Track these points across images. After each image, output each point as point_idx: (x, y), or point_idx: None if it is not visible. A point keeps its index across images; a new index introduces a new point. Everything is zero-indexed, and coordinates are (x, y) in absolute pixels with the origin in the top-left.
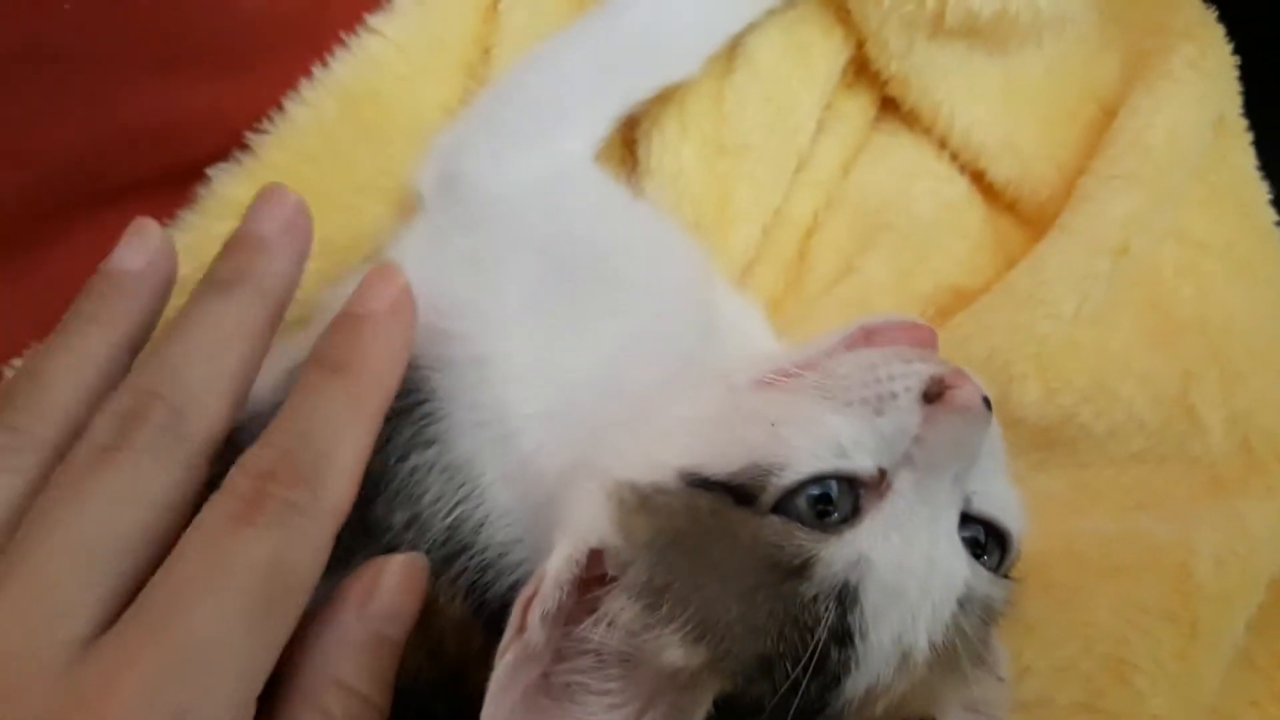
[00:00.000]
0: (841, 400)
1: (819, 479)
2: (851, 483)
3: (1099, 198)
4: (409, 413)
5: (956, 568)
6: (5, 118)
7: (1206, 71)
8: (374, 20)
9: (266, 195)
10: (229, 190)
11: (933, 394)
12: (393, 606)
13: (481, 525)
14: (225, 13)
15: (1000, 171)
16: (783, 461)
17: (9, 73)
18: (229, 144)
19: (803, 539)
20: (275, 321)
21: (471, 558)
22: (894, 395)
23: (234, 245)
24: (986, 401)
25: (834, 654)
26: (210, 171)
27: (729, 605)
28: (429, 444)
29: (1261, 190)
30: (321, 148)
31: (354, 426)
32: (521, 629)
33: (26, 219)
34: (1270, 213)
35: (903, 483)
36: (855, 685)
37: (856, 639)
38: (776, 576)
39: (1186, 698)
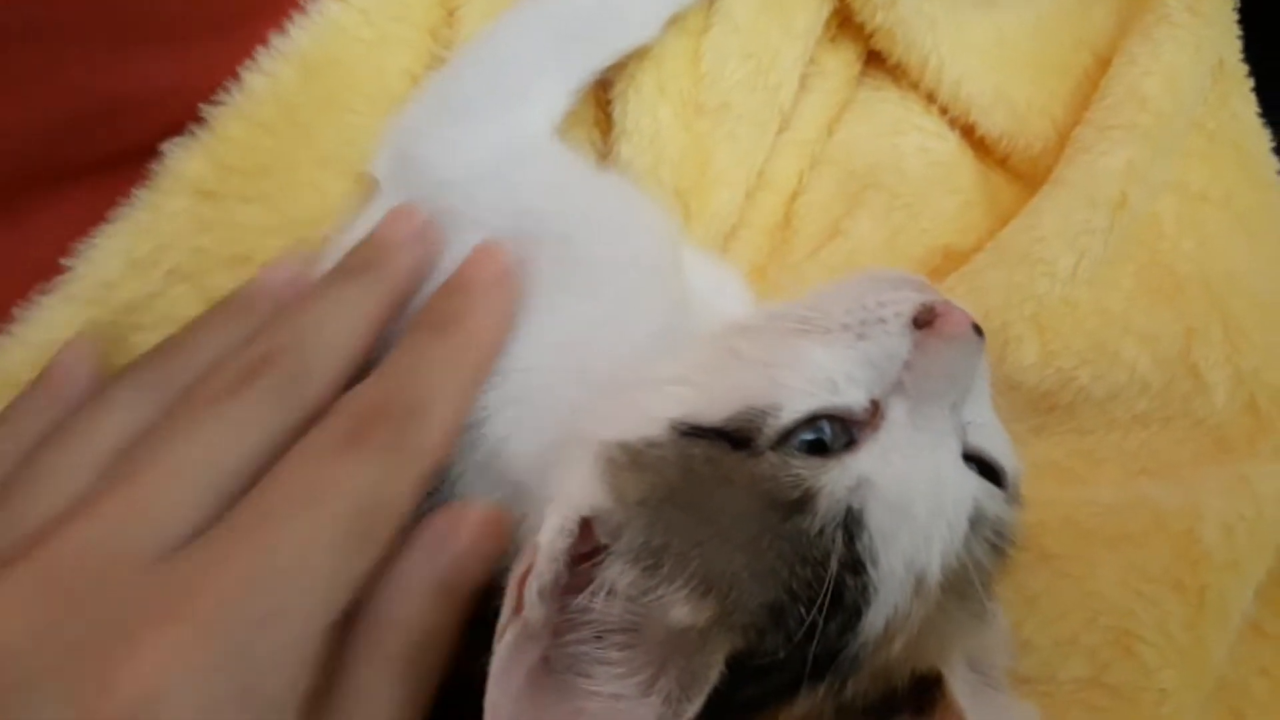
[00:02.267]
0: (823, 329)
1: (813, 418)
2: (844, 421)
3: (1095, 149)
4: None
5: (966, 485)
6: None
7: (1204, 15)
8: None
9: (399, 209)
10: (184, 166)
11: (923, 320)
12: (464, 555)
13: None
14: None
15: (992, 125)
16: (777, 403)
17: None
18: (183, 119)
19: (801, 470)
20: (393, 312)
21: None
22: (882, 320)
23: (366, 242)
24: (977, 329)
25: (848, 584)
26: (164, 147)
27: (732, 555)
28: None
29: (1263, 138)
30: (280, 118)
31: (455, 381)
32: (518, 607)
33: None
34: (1273, 161)
35: (896, 411)
36: (873, 621)
37: (868, 566)
38: (779, 515)
39: (1196, 669)
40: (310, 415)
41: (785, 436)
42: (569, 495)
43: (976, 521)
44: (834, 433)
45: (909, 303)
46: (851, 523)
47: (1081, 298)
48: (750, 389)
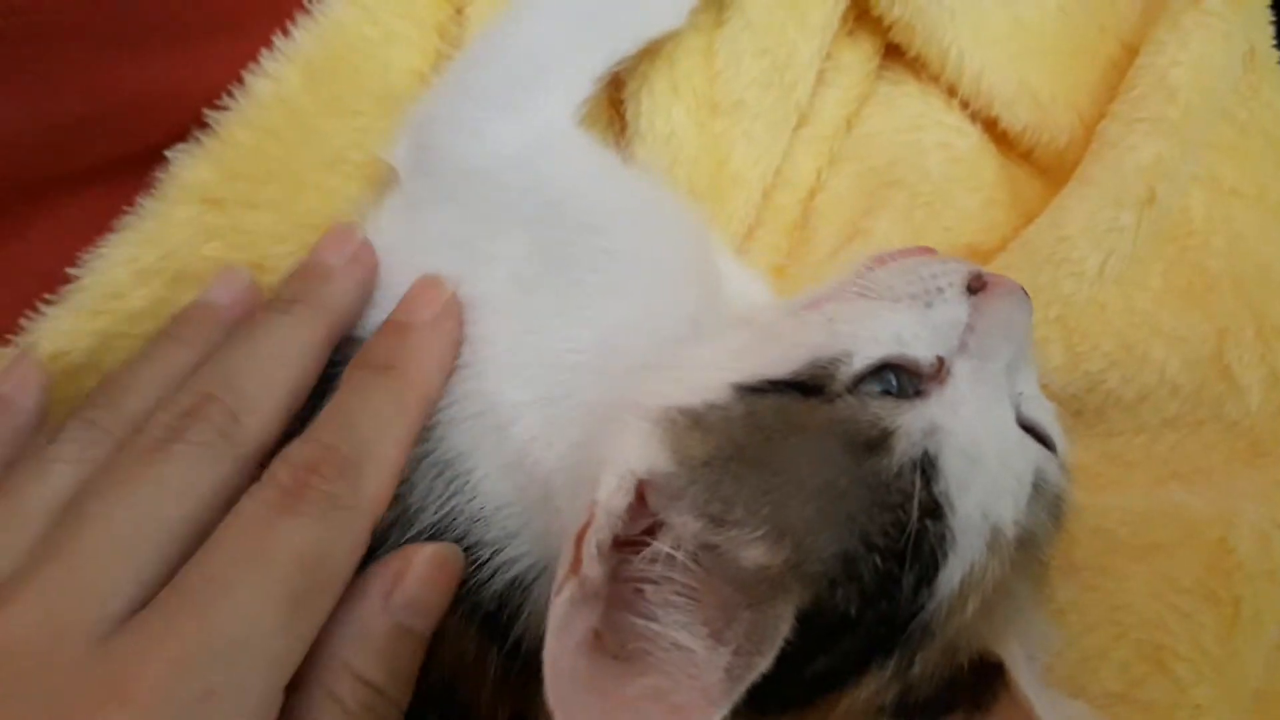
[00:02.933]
0: (890, 298)
1: (885, 366)
2: (911, 375)
3: (1122, 144)
4: None
5: (1027, 444)
6: None
7: (1235, 1)
8: None
9: (334, 230)
10: (189, 174)
11: (975, 286)
12: (418, 598)
13: (475, 520)
14: None
15: (1015, 119)
16: (848, 350)
17: None
18: (188, 124)
19: (879, 410)
20: (332, 342)
21: (465, 553)
22: (940, 290)
23: (300, 270)
24: (1024, 291)
25: (928, 531)
26: (169, 154)
27: (805, 503)
28: (418, 440)
29: None
30: (286, 122)
31: (396, 425)
32: (575, 564)
33: None
34: None
35: (961, 369)
36: (951, 573)
37: (946, 511)
38: (856, 456)
39: (1231, 684)
40: (246, 464)
41: (857, 383)
42: (623, 459)
43: (1038, 486)
44: (903, 383)
45: (960, 272)
46: (928, 466)
47: (1109, 298)
48: (818, 343)
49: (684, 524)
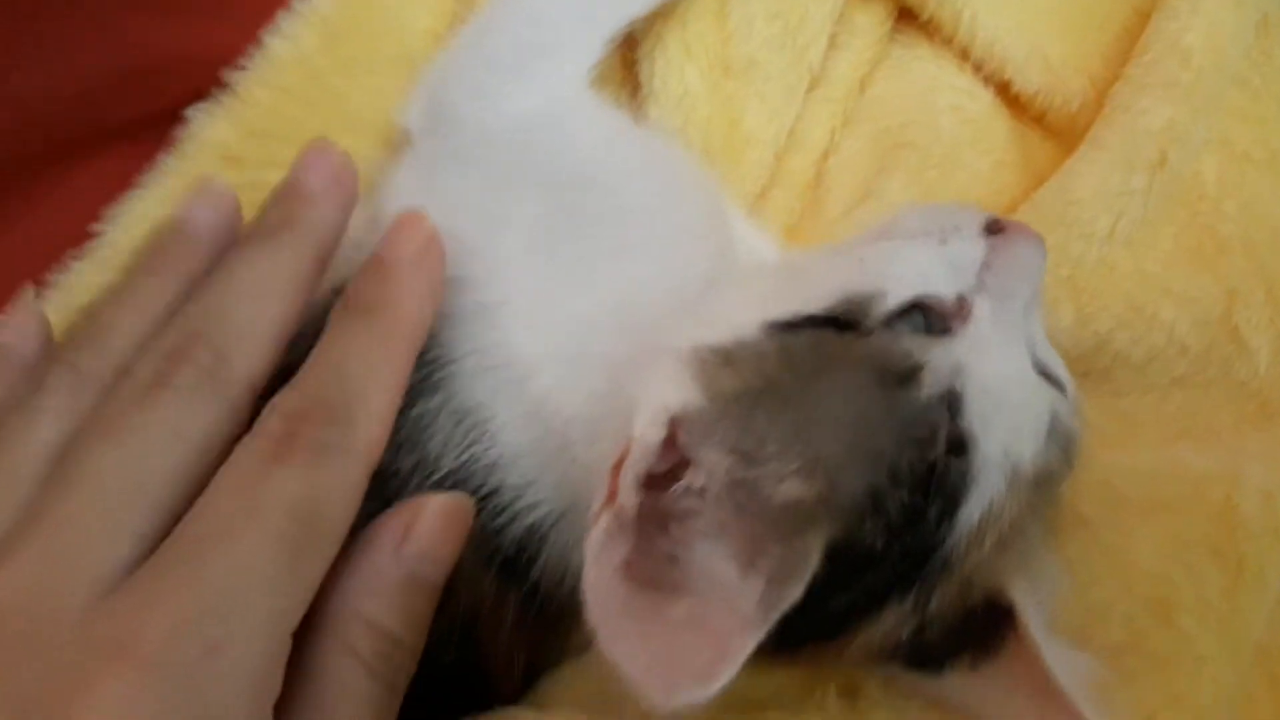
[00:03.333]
0: (908, 237)
1: (915, 305)
2: (935, 314)
3: (1134, 108)
4: (416, 361)
5: (1043, 386)
6: None
7: None
8: None
9: (312, 148)
10: (209, 132)
11: (993, 229)
12: (429, 547)
13: (493, 467)
14: None
15: (1027, 82)
16: (881, 289)
17: None
18: (208, 84)
19: (910, 345)
20: (319, 269)
21: (484, 500)
22: (957, 228)
23: (280, 195)
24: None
25: (952, 466)
26: (189, 113)
27: (836, 436)
28: (434, 390)
29: None
30: (304, 83)
31: (384, 367)
32: (612, 495)
33: (5, 169)
34: None
35: (982, 308)
36: (972, 508)
37: (971, 446)
38: (887, 389)
39: (1234, 637)
40: (236, 404)
41: (890, 321)
42: (657, 393)
43: (1052, 427)
44: (930, 323)
45: (978, 215)
46: (953, 403)
47: (1119, 259)
48: (852, 280)
49: (715, 460)
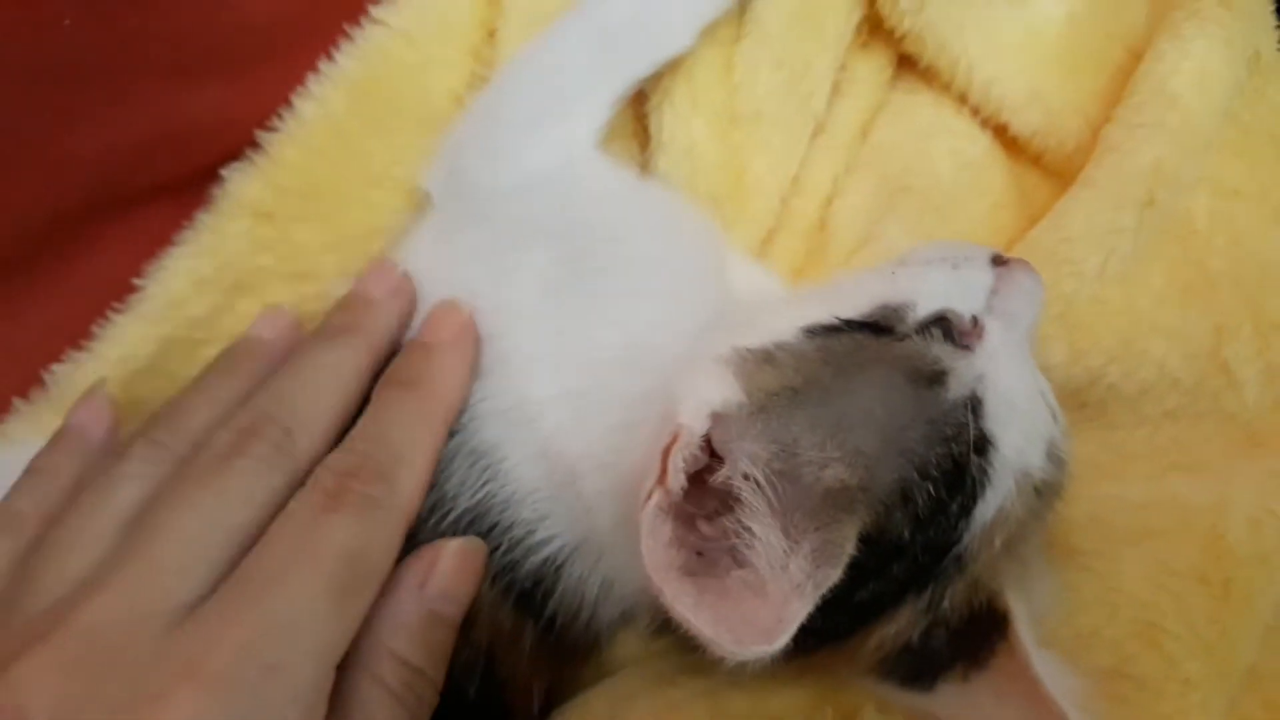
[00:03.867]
0: (925, 263)
1: (941, 317)
2: (956, 329)
3: (1123, 148)
4: None
5: (1045, 405)
6: (17, 134)
7: (1236, 8)
8: (378, 10)
9: (377, 264)
10: (242, 190)
11: (998, 261)
12: (448, 587)
13: (507, 504)
14: (228, 16)
15: (1025, 124)
16: (912, 300)
17: (15, 91)
18: (242, 144)
19: (940, 352)
20: (376, 366)
21: (500, 536)
22: (968, 258)
23: (346, 301)
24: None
25: (973, 463)
26: (224, 172)
27: (871, 432)
28: (453, 433)
29: None
30: (332, 142)
31: (424, 434)
32: (662, 477)
33: (50, 230)
34: None
35: (993, 329)
36: (986, 507)
37: (991, 447)
38: (918, 389)
39: (1221, 661)
40: (298, 475)
41: (925, 325)
42: (699, 389)
43: (1051, 448)
44: (951, 336)
45: (984, 249)
46: (976, 405)
47: (1110, 296)
48: (887, 291)
49: (757, 450)
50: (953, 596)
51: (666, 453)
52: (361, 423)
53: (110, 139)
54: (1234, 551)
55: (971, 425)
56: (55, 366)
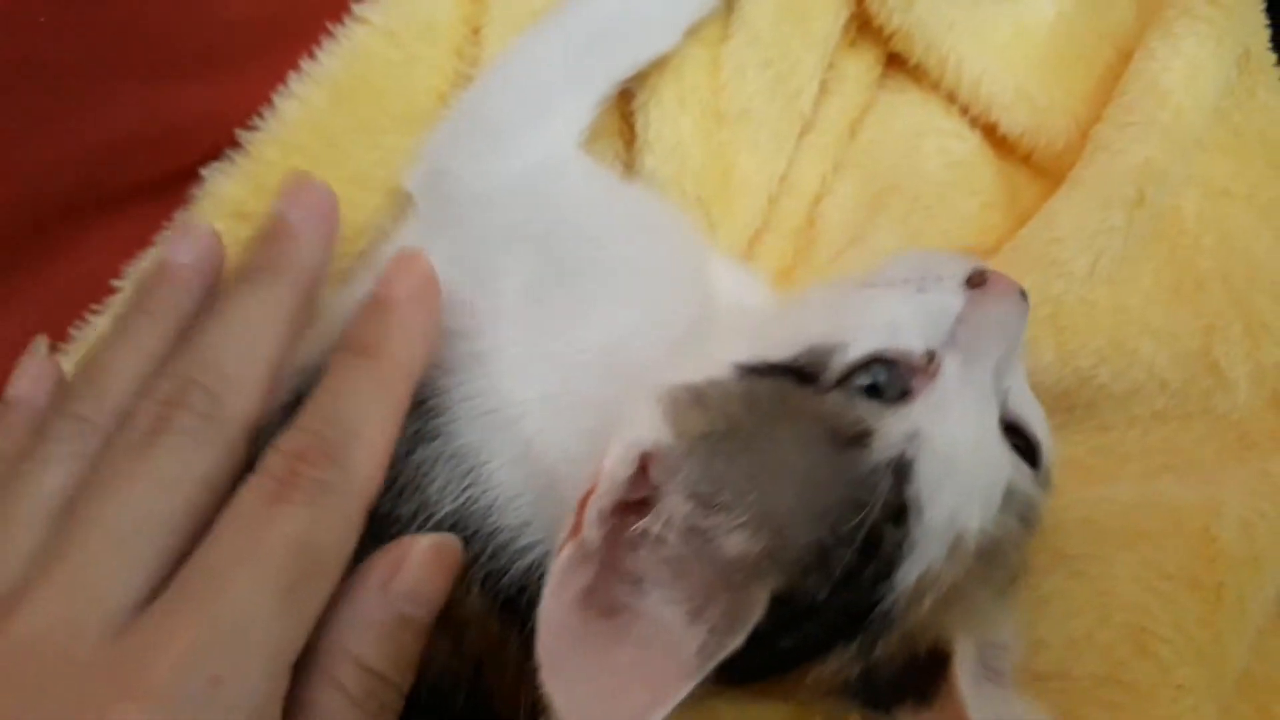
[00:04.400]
0: (886, 283)
1: (876, 359)
2: (901, 368)
3: (1113, 147)
4: (414, 409)
5: (1004, 455)
6: None
7: (1227, 6)
8: (361, 8)
9: (293, 184)
10: (223, 189)
11: (975, 281)
12: (417, 587)
13: (490, 509)
14: (208, 13)
15: (1014, 123)
16: (842, 341)
17: None
18: (223, 144)
19: (863, 411)
20: (307, 306)
21: (483, 542)
22: (939, 279)
23: (265, 236)
24: (1023, 294)
25: (889, 533)
26: (204, 172)
27: (787, 490)
28: (434, 437)
29: None
30: (314, 141)
31: (380, 407)
32: (577, 528)
33: (28, 231)
34: None
35: (950, 365)
36: (908, 572)
37: (911, 516)
38: (836, 449)
39: (1213, 666)
40: (234, 441)
41: (848, 375)
42: (630, 432)
43: (1010, 496)
44: (892, 379)
45: (963, 266)
46: (902, 470)
47: (1100, 296)
48: (817, 329)
49: (677, 502)
50: (885, 648)
51: (583, 503)
52: (313, 397)
53: (88, 138)
54: (1226, 554)
55: (886, 494)
56: None
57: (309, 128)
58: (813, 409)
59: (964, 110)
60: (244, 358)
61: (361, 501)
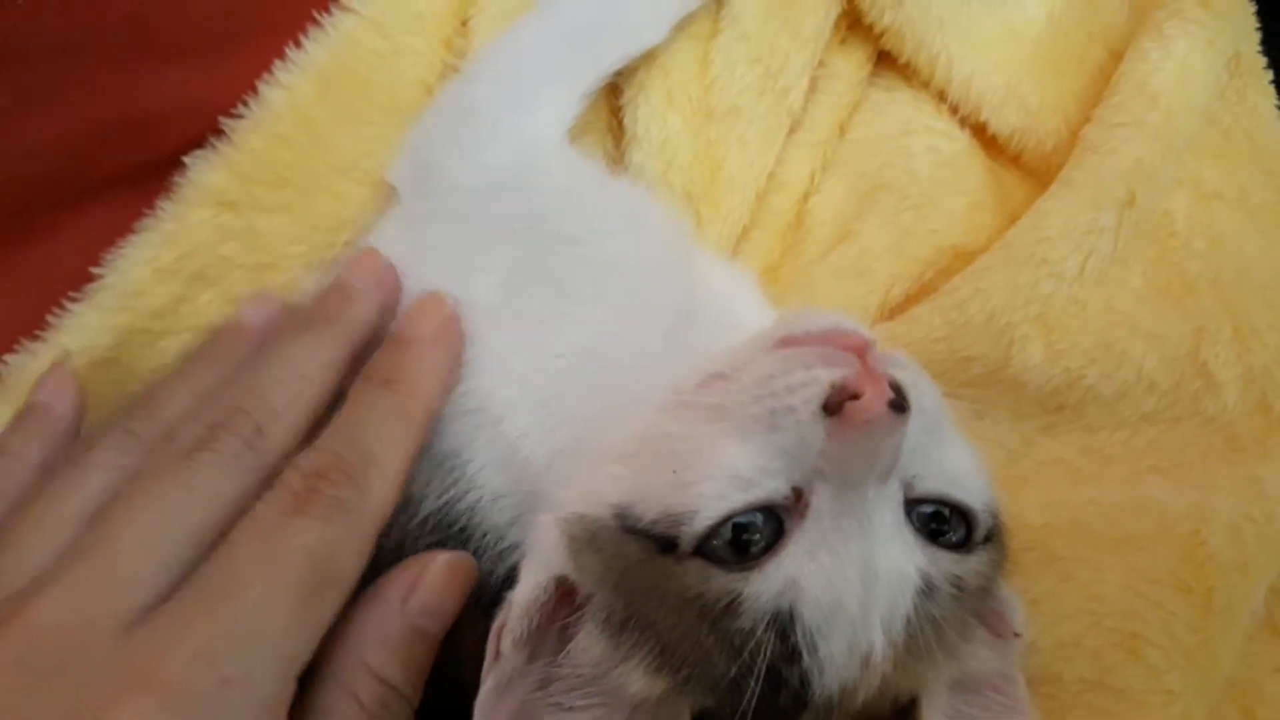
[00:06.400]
0: (736, 421)
1: (728, 519)
2: (770, 509)
3: (1103, 148)
4: None
5: (904, 567)
6: None
7: (1218, 8)
8: None
9: (361, 255)
10: (206, 178)
11: (833, 406)
12: (433, 602)
13: (473, 509)
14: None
15: (1003, 123)
16: (691, 508)
17: None
18: (206, 131)
19: (723, 581)
20: (351, 357)
21: (468, 542)
22: (791, 409)
23: (327, 291)
24: (897, 402)
25: (787, 672)
26: (187, 159)
27: (683, 636)
28: None
29: None
30: (299, 131)
31: (400, 435)
32: (496, 655)
33: (5, 218)
34: None
35: (821, 498)
36: (823, 690)
37: (805, 656)
38: (710, 618)
39: (1203, 671)
40: (268, 472)
41: (707, 538)
42: (541, 558)
43: (929, 590)
44: (762, 520)
45: (818, 385)
46: (783, 621)
47: (1089, 297)
48: (667, 495)
49: (589, 635)
50: None
51: (499, 631)
52: (335, 421)
53: (68, 124)
54: (1216, 559)
55: (770, 647)
56: (9, 357)
57: (294, 117)
58: (675, 581)
59: (954, 109)
60: (291, 397)
61: (375, 524)
